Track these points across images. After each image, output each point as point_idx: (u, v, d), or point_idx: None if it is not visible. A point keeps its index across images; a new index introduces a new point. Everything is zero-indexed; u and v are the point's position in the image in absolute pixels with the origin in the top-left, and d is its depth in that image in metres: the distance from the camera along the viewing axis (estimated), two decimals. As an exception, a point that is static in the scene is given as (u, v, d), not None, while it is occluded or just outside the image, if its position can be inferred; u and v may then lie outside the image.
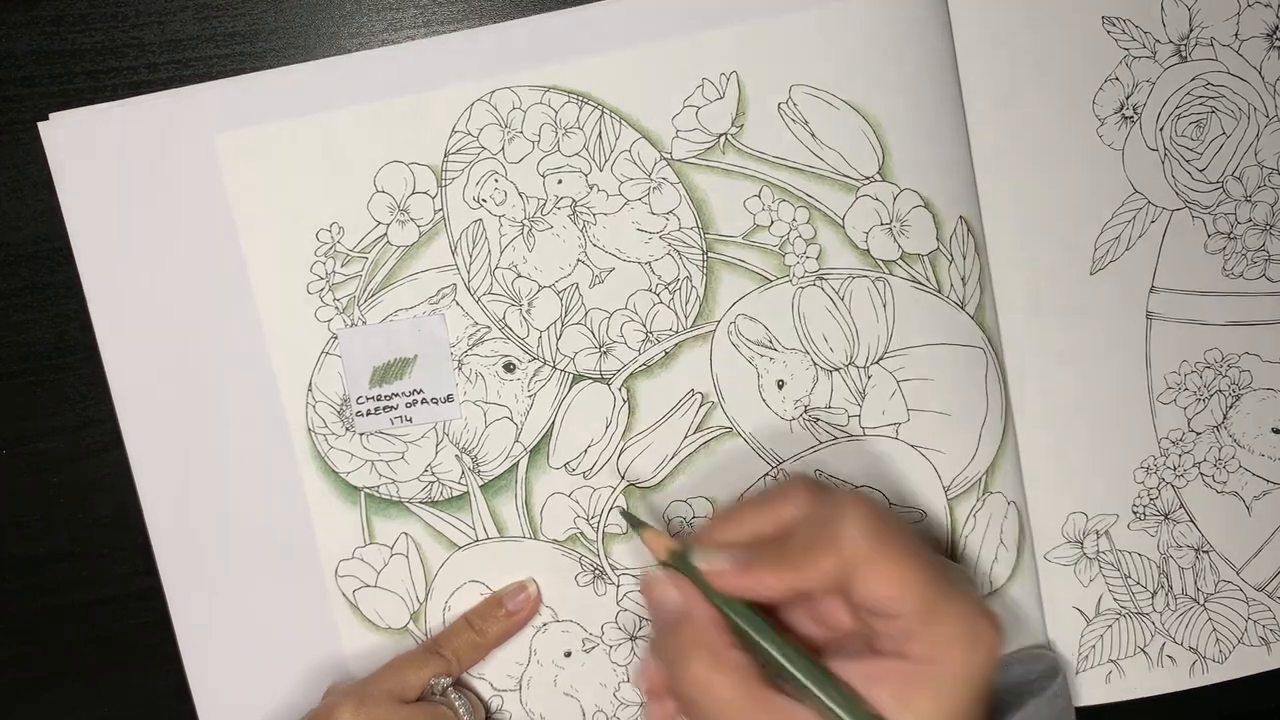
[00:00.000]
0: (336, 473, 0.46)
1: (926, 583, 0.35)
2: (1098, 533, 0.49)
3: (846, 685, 0.36)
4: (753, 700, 0.36)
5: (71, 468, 0.47)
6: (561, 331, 0.46)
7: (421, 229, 0.45)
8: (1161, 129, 0.47)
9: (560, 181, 0.45)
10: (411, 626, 0.47)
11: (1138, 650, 0.50)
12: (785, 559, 0.37)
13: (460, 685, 0.47)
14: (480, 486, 0.47)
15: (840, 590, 0.37)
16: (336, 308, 0.45)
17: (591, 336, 0.46)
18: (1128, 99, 0.47)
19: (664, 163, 0.45)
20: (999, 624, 0.36)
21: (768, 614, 0.38)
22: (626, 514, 0.44)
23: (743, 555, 0.38)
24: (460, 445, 0.46)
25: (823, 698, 0.35)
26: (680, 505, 0.47)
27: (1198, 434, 0.49)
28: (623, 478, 0.47)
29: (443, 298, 0.45)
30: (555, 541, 0.47)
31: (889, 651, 0.36)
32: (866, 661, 0.36)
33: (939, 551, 0.48)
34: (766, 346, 0.46)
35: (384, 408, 0.46)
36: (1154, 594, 0.50)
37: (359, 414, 0.46)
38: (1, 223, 0.45)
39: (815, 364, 0.46)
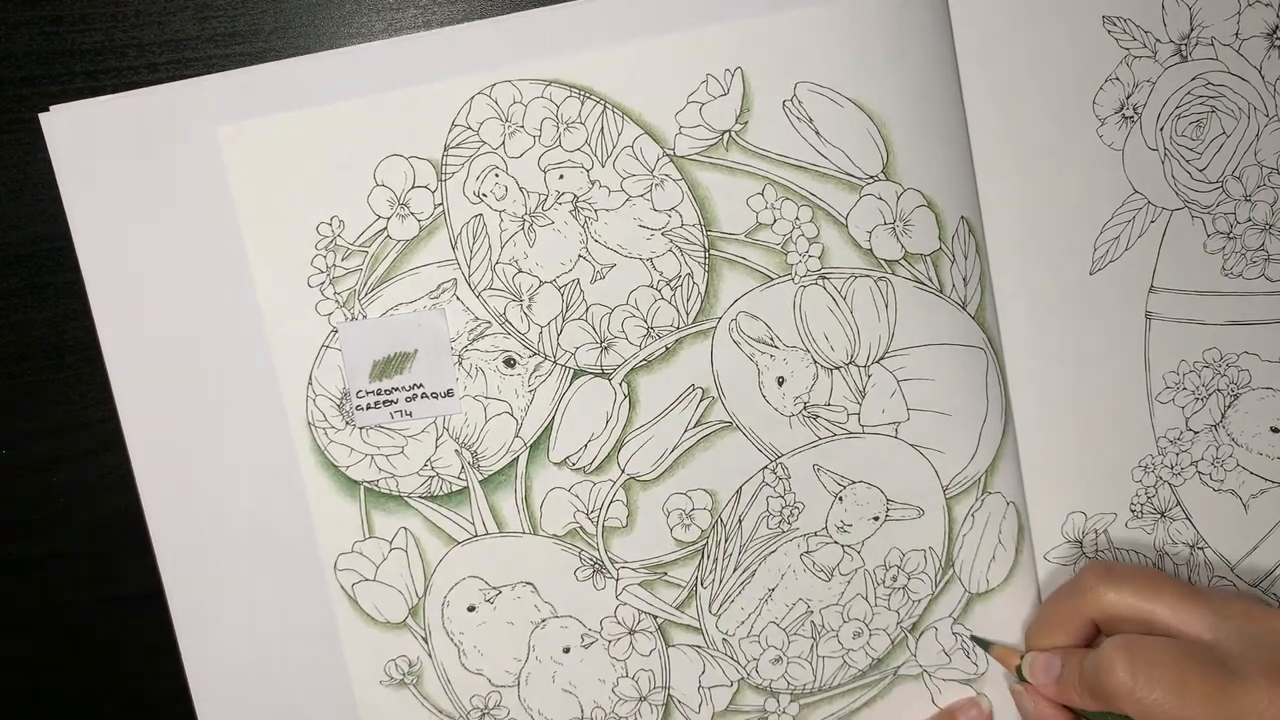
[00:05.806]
0: (336, 467, 0.46)
1: (1198, 708, 0.39)
2: (1096, 532, 0.49)
3: None
4: None
5: (71, 468, 0.47)
6: (562, 327, 0.46)
7: (422, 223, 0.45)
8: (1161, 129, 0.47)
9: (561, 177, 0.45)
10: (410, 621, 0.47)
11: (1136, 649, 0.50)
12: (1074, 686, 0.43)
13: None
14: (480, 481, 0.47)
15: None
16: (337, 301, 0.45)
17: (592, 332, 0.46)
18: (1128, 99, 0.47)
19: (667, 159, 0.45)
20: None
21: None
22: (977, 638, 0.48)
23: (1057, 667, 0.45)
24: (460, 440, 0.46)
25: None
26: (679, 498, 0.47)
27: (1195, 433, 0.49)
28: (623, 471, 0.47)
29: (443, 292, 0.45)
30: (555, 536, 0.47)
31: None
32: None
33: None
34: (767, 344, 0.46)
35: (384, 402, 0.46)
36: (1152, 592, 0.50)
37: (359, 408, 0.46)
38: (1, 223, 0.45)
39: (816, 362, 0.47)
